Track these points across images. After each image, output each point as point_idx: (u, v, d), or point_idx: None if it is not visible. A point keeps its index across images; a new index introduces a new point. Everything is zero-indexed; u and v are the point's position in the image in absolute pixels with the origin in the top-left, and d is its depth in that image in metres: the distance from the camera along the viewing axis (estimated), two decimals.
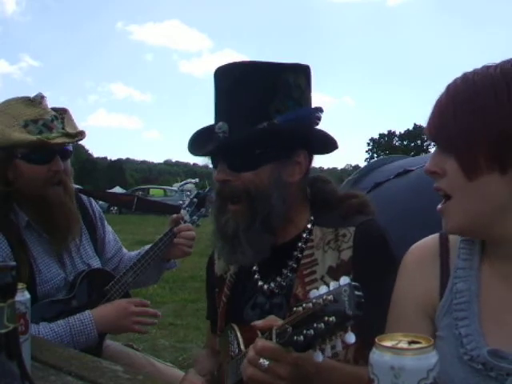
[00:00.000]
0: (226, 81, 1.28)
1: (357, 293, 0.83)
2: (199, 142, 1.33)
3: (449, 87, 0.99)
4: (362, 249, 1.23)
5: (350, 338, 0.84)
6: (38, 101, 1.79)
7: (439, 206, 1.01)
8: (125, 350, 2.03)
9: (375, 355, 0.65)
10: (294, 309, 0.92)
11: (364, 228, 1.26)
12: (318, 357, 0.88)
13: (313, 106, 1.32)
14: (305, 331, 0.88)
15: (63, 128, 1.80)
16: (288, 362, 0.96)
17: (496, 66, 0.95)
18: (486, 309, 0.99)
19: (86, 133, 1.85)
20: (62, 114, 1.85)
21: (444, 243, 1.08)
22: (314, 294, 0.89)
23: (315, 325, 0.86)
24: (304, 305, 0.90)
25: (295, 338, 0.90)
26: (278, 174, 1.26)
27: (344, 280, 0.85)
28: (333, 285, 0.86)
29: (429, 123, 1.01)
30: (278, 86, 1.25)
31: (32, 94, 1.81)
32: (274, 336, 0.95)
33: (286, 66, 1.27)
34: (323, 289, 0.88)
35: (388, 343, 0.65)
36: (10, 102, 1.79)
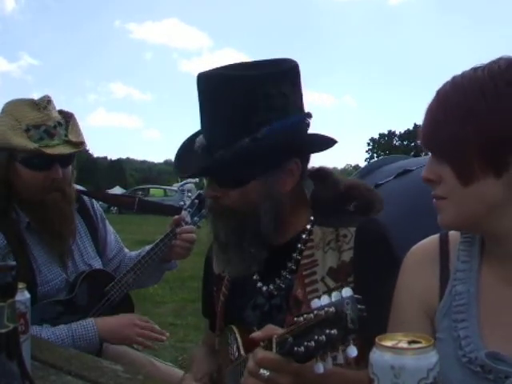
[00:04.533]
0: (204, 91, 1.22)
1: (359, 306, 0.82)
2: (184, 158, 1.31)
3: (438, 92, 0.97)
4: (364, 250, 1.21)
5: (352, 351, 0.82)
6: (43, 105, 1.76)
7: (434, 201, 1.00)
8: (125, 349, 2.03)
9: (375, 355, 0.65)
10: (295, 319, 0.91)
11: (365, 229, 1.23)
12: (319, 368, 0.86)
13: (306, 105, 1.26)
14: (306, 343, 0.86)
15: (66, 135, 1.78)
16: (289, 372, 0.94)
17: (483, 68, 0.93)
18: (485, 311, 0.98)
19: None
20: (67, 119, 1.83)
21: (444, 245, 1.08)
22: (315, 304, 0.88)
23: (316, 337, 0.84)
24: (305, 315, 0.88)
25: (296, 348, 0.88)
26: (268, 186, 1.21)
27: (346, 292, 0.84)
28: (335, 295, 0.85)
29: (421, 130, 0.99)
30: (258, 99, 1.16)
31: (31, 93, 1.87)
32: (274, 346, 0.94)
33: (266, 77, 1.17)
34: (325, 299, 0.86)
35: (388, 343, 0.65)
36: (15, 103, 1.78)
